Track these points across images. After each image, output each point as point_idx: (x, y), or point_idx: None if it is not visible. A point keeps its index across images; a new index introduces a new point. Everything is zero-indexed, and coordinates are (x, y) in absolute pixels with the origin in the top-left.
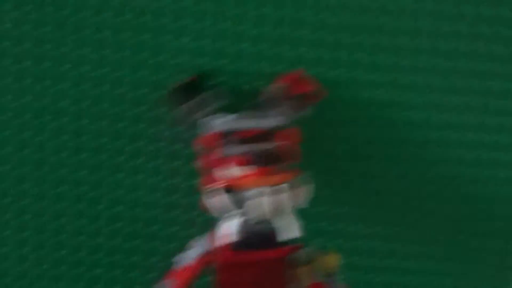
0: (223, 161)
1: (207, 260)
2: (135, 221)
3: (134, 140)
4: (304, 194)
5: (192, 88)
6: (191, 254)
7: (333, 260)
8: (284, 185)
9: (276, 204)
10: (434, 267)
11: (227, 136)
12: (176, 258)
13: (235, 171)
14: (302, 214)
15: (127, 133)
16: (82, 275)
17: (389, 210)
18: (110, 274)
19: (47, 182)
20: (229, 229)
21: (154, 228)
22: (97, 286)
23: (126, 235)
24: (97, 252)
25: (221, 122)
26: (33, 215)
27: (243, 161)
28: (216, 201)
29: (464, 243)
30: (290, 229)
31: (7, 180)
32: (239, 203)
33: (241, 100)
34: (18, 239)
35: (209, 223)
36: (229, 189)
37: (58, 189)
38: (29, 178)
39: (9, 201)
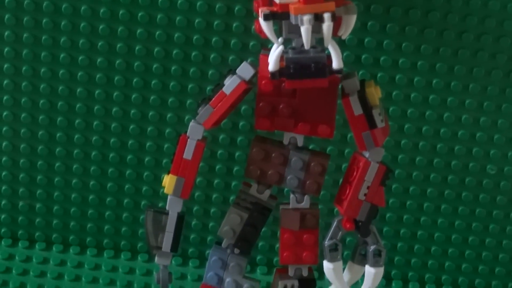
0: None
1: (248, 87)
2: None
3: None
4: (348, 23)
5: None
6: (234, 81)
7: (376, 91)
8: (328, 14)
9: (320, 32)
10: None
11: None
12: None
13: None
14: (345, 43)
15: None
16: None
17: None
18: None
19: None
20: (271, 58)
21: None
22: None
23: None
24: None
25: None
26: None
27: None
28: (262, 26)
29: None
30: (332, 58)
31: None
32: (282, 31)
33: None
34: None
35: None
36: (273, 14)
37: None
38: None
39: None
